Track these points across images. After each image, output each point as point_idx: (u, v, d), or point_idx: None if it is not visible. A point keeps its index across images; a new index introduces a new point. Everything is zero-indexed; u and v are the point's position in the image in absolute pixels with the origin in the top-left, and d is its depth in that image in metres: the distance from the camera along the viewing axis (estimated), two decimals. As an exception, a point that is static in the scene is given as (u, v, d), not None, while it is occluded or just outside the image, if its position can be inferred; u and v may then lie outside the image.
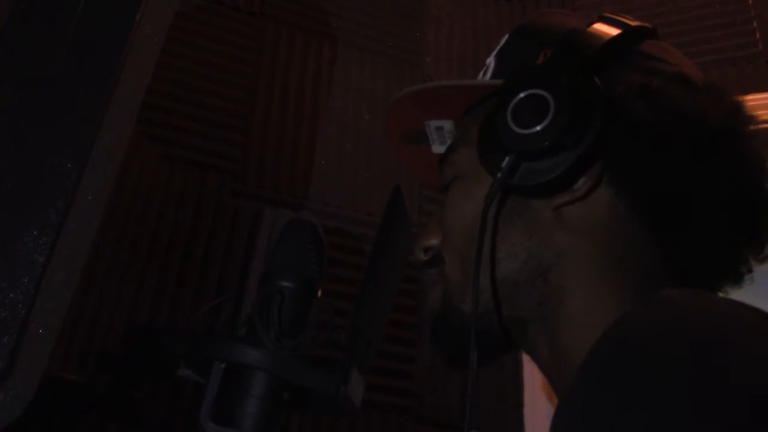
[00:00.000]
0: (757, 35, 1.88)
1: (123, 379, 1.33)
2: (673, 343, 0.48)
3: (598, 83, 0.64)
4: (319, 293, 0.90)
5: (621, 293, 0.65)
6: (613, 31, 0.69)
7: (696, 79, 0.70)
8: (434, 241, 0.76)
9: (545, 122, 0.63)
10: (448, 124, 0.80)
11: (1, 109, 0.77)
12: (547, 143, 0.63)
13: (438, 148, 0.82)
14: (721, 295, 0.69)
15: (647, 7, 2.00)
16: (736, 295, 0.68)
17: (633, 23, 0.70)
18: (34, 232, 0.71)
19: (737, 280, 0.69)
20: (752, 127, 0.68)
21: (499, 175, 0.65)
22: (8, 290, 0.69)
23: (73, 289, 0.73)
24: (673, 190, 0.65)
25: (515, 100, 0.65)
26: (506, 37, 0.80)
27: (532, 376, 1.70)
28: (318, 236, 0.91)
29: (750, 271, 0.69)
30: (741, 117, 0.68)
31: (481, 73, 0.79)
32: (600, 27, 0.70)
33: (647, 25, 0.72)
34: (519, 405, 1.71)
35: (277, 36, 1.86)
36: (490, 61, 0.79)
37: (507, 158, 0.65)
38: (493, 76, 0.76)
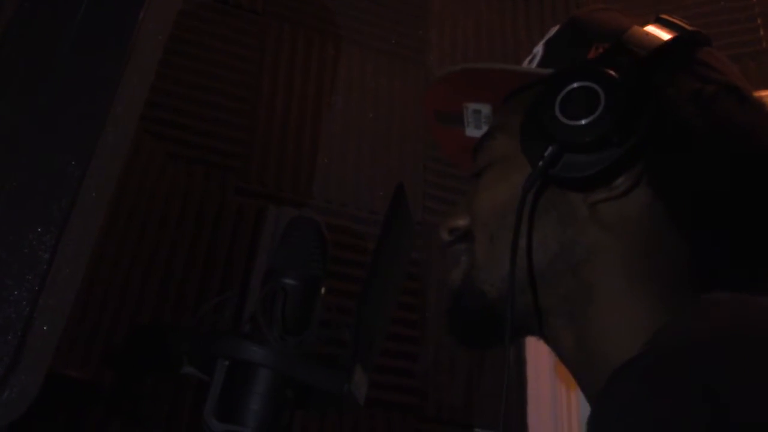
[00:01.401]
0: (761, 32, 1.87)
1: (127, 376, 1.33)
2: (737, 348, 0.48)
3: (650, 84, 0.64)
4: (323, 291, 0.90)
5: (651, 293, 0.65)
6: (668, 35, 0.68)
7: (746, 91, 0.70)
8: (461, 222, 0.75)
9: (594, 116, 0.63)
10: (486, 109, 0.79)
11: (5, 108, 0.77)
12: (593, 137, 0.63)
13: (472, 132, 0.81)
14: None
15: (651, 5, 2.00)
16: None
17: (689, 28, 0.70)
18: (39, 230, 0.71)
19: (762, 289, 0.69)
20: None
21: (540, 163, 0.65)
22: (12, 287, 0.69)
23: (77, 287, 0.74)
24: (712, 197, 0.65)
25: (565, 91, 0.65)
26: (557, 27, 0.79)
27: (535, 373, 1.70)
28: (321, 234, 0.91)
29: None
30: None
31: (527, 60, 0.78)
32: (655, 29, 0.69)
33: (702, 31, 0.72)
34: (522, 403, 1.71)
35: (279, 34, 1.87)
36: (538, 49, 0.78)
37: (550, 147, 0.64)
38: (540, 65, 0.76)
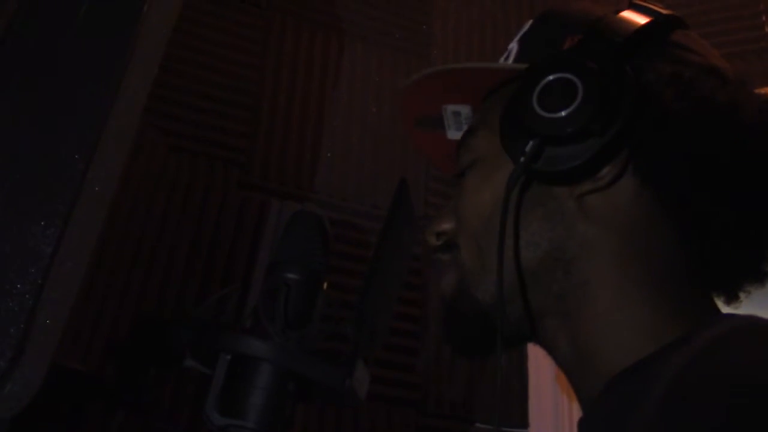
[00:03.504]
0: (766, 29, 1.87)
1: (129, 369, 1.33)
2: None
3: (628, 70, 0.63)
4: (325, 285, 0.90)
5: (646, 289, 0.63)
6: (643, 19, 0.67)
7: (726, 71, 0.69)
8: (447, 226, 0.75)
9: (572, 107, 0.62)
10: (465, 110, 0.78)
11: (8, 100, 0.77)
12: (573, 128, 0.61)
13: (453, 134, 0.80)
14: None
15: (653, 1, 1.99)
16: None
17: (664, 12, 0.69)
18: (42, 223, 0.72)
19: (761, 279, 0.67)
20: None
21: (522, 159, 0.63)
22: (16, 281, 0.69)
23: (80, 280, 0.74)
24: (699, 182, 0.63)
25: (542, 84, 0.64)
26: (530, 22, 0.78)
27: (536, 369, 1.70)
28: (324, 228, 0.91)
29: None
30: None
31: (503, 57, 0.77)
32: (630, 14, 0.68)
33: (677, 14, 0.71)
34: (524, 399, 1.71)
35: (283, 28, 1.86)
36: (513, 45, 0.77)
37: (531, 142, 0.63)
38: (515, 61, 0.75)
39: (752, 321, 0.58)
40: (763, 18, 1.88)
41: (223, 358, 0.82)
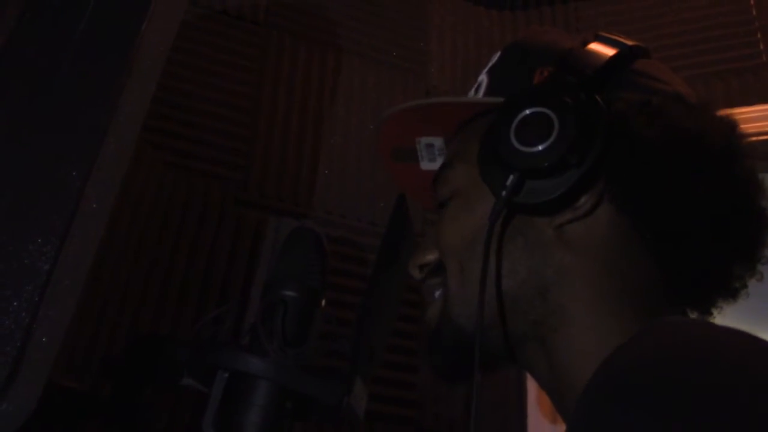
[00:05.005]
0: (761, 46, 1.88)
1: (126, 387, 1.32)
2: (676, 367, 0.49)
3: (599, 101, 0.64)
4: (323, 303, 0.90)
5: (621, 311, 0.65)
6: (610, 51, 0.69)
7: (690, 97, 0.71)
8: (430, 257, 0.76)
9: (549, 141, 0.63)
10: (438, 142, 0.80)
11: (6, 117, 0.77)
12: (551, 162, 0.63)
13: (427, 165, 0.82)
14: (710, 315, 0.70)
15: (649, 18, 2.00)
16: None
17: (629, 42, 0.71)
18: (39, 240, 0.71)
19: (733, 295, 0.70)
20: (747, 147, 0.69)
21: (503, 193, 0.65)
22: (12, 298, 0.69)
23: (76, 298, 0.73)
24: (672, 206, 0.66)
25: (518, 118, 0.65)
26: (498, 54, 0.80)
27: (536, 390, 1.69)
28: (321, 245, 0.91)
29: (745, 286, 0.70)
30: (737, 136, 0.69)
31: (473, 89, 0.79)
32: (597, 46, 0.70)
33: (641, 44, 0.73)
34: (522, 418, 1.70)
35: (281, 45, 1.87)
36: (483, 77, 0.79)
37: (511, 176, 0.65)
38: (486, 93, 0.77)
39: (673, 320, 0.60)
40: (759, 35, 1.89)
41: (220, 375, 0.82)
